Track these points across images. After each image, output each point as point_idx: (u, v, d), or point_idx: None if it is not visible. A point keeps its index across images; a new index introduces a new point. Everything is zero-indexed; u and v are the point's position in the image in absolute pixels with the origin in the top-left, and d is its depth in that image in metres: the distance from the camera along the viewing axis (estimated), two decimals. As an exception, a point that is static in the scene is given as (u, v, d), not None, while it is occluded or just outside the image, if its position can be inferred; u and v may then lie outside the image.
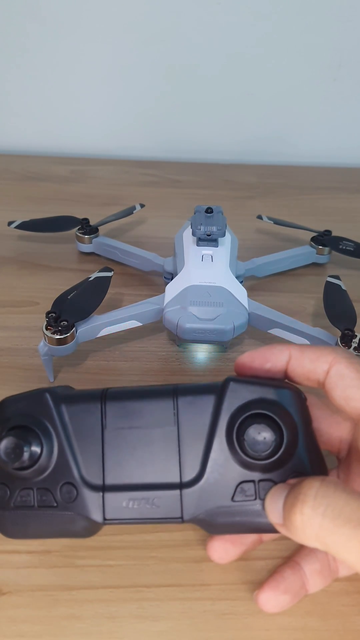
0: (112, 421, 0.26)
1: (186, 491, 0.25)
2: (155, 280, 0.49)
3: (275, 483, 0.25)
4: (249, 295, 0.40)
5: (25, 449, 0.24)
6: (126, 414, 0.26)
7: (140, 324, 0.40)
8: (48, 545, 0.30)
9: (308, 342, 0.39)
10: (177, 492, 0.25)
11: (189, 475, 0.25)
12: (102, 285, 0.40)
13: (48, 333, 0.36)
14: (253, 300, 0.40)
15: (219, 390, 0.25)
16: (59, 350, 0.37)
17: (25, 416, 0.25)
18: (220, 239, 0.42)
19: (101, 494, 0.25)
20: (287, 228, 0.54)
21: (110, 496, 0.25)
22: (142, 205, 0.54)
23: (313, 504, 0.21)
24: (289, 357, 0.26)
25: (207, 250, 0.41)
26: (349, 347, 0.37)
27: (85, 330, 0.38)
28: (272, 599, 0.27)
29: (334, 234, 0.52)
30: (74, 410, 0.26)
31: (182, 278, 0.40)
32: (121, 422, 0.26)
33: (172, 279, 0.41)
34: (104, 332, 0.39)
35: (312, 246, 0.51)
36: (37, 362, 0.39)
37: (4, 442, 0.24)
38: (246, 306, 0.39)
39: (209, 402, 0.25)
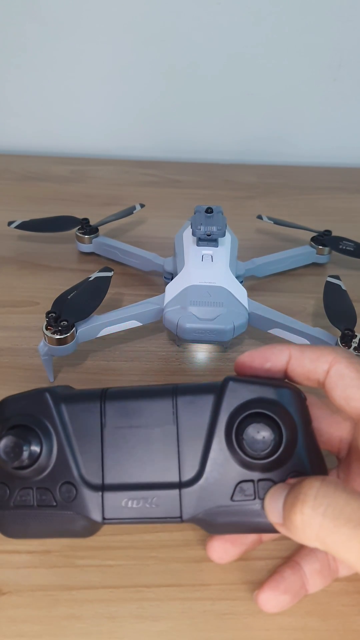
0: (111, 421, 0.26)
1: (185, 491, 0.25)
2: (155, 280, 0.49)
3: (274, 483, 0.25)
4: (249, 295, 0.40)
5: (24, 448, 0.24)
6: (126, 413, 0.26)
7: (140, 324, 0.40)
8: (48, 545, 0.30)
9: (308, 342, 0.39)
10: (177, 491, 0.25)
11: (188, 475, 0.25)
12: (102, 285, 0.40)
13: (48, 333, 0.36)
14: (253, 300, 0.40)
15: (218, 390, 0.25)
16: (59, 350, 0.37)
17: (25, 416, 0.25)
18: (220, 239, 0.42)
19: (100, 493, 0.25)
20: (287, 228, 0.54)
21: (109, 495, 0.25)
22: (142, 205, 0.54)
23: (313, 504, 0.21)
24: (289, 356, 0.26)
25: (207, 250, 0.41)
26: (349, 347, 0.37)
27: (85, 330, 0.38)
28: (272, 599, 0.27)
29: (334, 234, 0.52)
30: (74, 410, 0.26)
31: (182, 278, 0.40)
32: (121, 422, 0.26)
33: (172, 279, 0.41)
34: (104, 332, 0.39)
35: (312, 246, 0.51)
36: (37, 362, 0.39)
37: (4, 441, 0.24)
38: (246, 306, 0.39)
39: (208, 401, 0.25)
